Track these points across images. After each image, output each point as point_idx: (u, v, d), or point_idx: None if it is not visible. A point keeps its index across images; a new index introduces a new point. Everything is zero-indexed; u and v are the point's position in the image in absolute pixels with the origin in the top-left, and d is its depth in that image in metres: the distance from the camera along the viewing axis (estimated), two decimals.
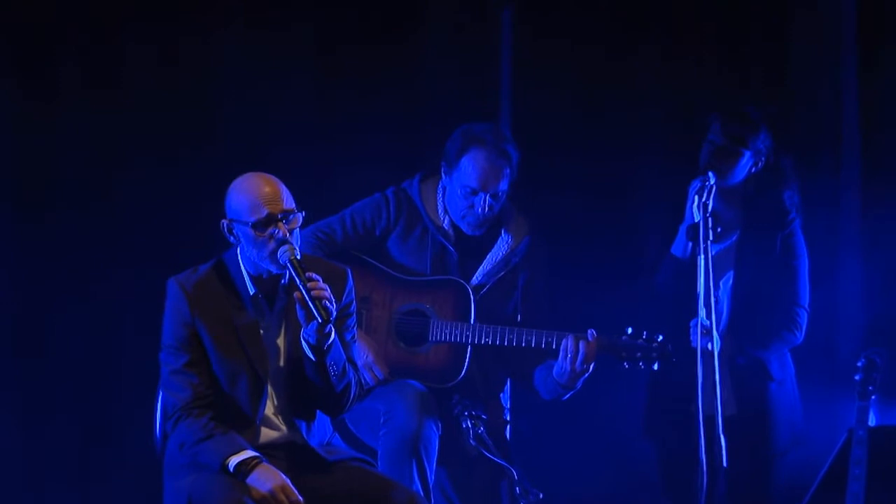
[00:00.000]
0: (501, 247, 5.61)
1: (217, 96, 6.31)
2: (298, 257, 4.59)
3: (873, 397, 5.59)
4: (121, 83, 6.24)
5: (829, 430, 6.01)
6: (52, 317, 6.20)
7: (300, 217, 4.68)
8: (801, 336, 5.75)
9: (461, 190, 5.50)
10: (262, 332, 4.74)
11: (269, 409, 4.75)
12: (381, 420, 5.31)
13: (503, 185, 5.50)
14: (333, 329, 4.62)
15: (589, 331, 5.39)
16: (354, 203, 5.64)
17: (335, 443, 4.91)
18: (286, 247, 4.59)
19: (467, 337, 5.46)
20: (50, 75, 6.19)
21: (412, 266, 5.57)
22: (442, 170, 5.58)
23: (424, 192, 5.62)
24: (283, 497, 4.54)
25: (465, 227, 5.57)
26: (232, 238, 4.70)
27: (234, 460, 4.58)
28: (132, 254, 6.20)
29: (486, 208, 5.49)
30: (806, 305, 5.76)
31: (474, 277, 5.58)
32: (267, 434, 4.75)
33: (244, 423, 4.70)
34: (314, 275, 4.57)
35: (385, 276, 5.53)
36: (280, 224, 4.61)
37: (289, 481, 4.57)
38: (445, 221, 5.59)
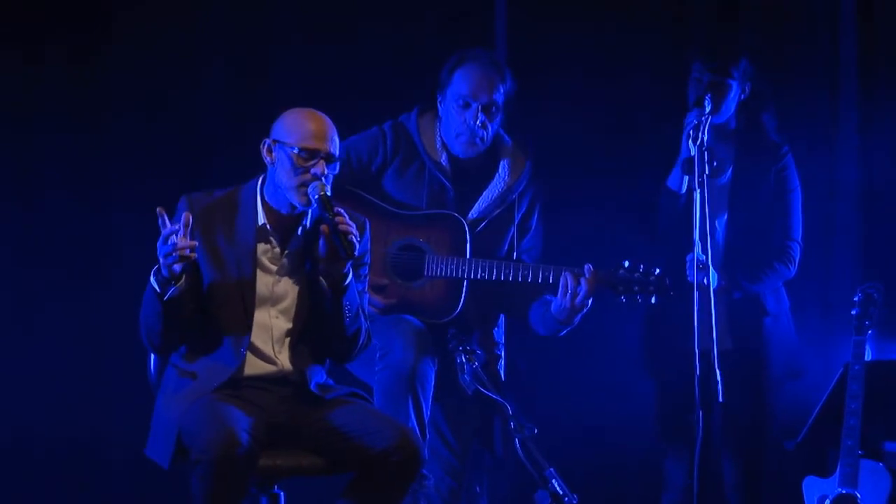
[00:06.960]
0: (498, 183, 5.58)
1: (206, 25, 6.26)
2: (329, 194, 4.64)
3: (870, 332, 5.61)
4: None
5: (824, 365, 6.02)
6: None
7: (337, 167, 4.73)
8: (794, 270, 5.75)
9: (454, 105, 5.47)
10: (262, 259, 4.73)
11: (270, 345, 4.74)
12: (378, 356, 5.28)
13: (496, 97, 5.46)
14: (350, 269, 4.68)
15: (585, 266, 5.35)
16: (351, 136, 5.60)
17: (329, 382, 4.89)
18: (317, 183, 4.64)
19: (463, 271, 5.44)
20: (33, 22, 6.14)
21: (408, 201, 5.54)
22: (437, 99, 5.55)
23: (422, 125, 5.58)
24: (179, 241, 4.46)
25: (458, 149, 5.52)
26: (268, 160, 4.72)
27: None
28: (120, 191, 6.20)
29: (479, 123, 5.45)
30: (799, 239, 5.76)
31: (471, 212, 5.55)
32: (262, 367, 4.73)
33: (229, 352, 4.68)
34: (342, 210, 4.63)
35: (381, 211, 5.50)
36: (321, 162, 4.65)
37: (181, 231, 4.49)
38: (443, 157, 5.55)
